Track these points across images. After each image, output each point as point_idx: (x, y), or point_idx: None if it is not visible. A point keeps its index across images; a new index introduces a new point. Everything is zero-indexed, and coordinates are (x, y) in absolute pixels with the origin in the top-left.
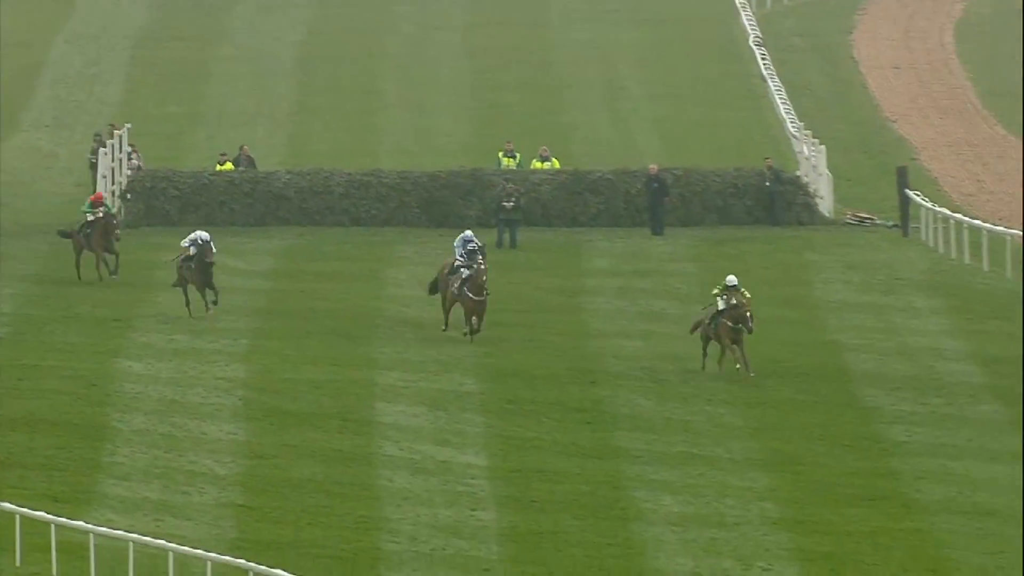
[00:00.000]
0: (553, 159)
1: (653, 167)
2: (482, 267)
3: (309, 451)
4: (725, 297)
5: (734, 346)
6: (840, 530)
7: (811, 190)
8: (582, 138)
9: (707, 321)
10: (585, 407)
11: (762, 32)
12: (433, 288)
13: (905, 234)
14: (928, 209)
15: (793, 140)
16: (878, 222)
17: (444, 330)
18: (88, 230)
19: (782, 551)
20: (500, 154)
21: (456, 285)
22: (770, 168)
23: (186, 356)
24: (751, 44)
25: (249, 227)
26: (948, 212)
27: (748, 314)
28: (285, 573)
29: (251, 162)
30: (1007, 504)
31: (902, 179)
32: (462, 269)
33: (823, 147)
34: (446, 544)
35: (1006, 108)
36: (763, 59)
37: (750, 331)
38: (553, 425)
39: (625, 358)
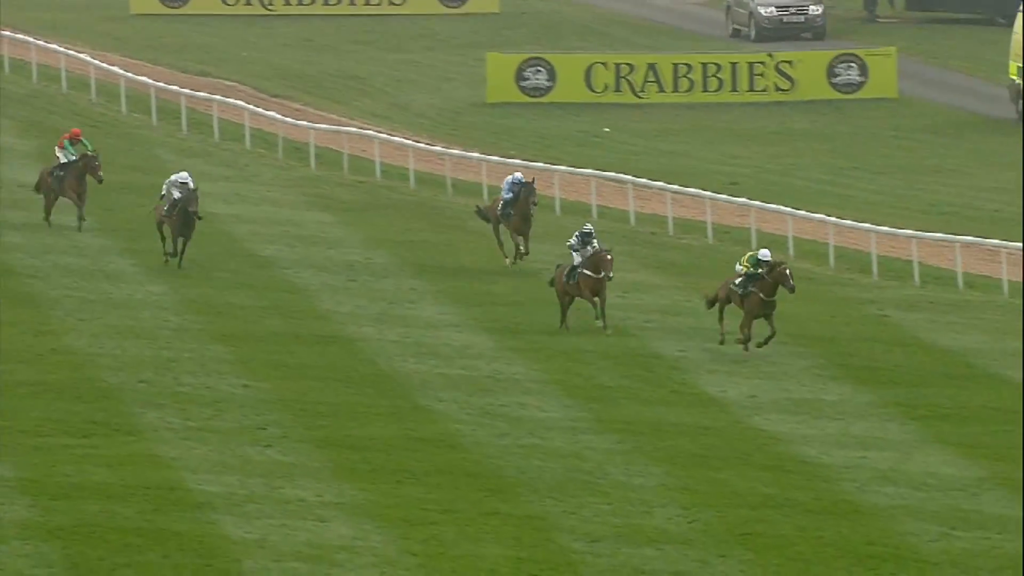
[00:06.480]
0: None
1: None
2: (607, 257)
3: None
4: (761, 270)
5: (762, 318)
6: None
7: None
8: None
9: (739, 292)
10: None
11: None
12: (482, 215)
13: None
14: None
15: None
16: None
17: (506, 259)
18: (61, 172)
19: None
20: None
21: (566, 272)
22: None
23: None
24: None
25: None
26: None
27: (788, 272)
28: None
29: None
30: None
31: None
32: (575, 255)
33: None
34: None
35: None
36: None
37: (792, 290)
38: None
39: None
